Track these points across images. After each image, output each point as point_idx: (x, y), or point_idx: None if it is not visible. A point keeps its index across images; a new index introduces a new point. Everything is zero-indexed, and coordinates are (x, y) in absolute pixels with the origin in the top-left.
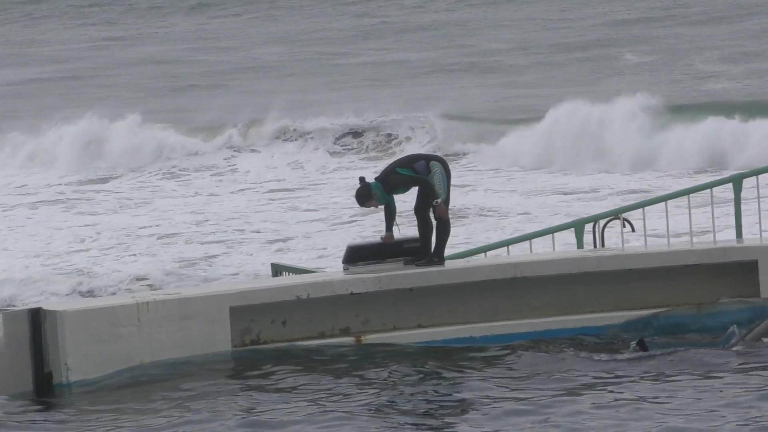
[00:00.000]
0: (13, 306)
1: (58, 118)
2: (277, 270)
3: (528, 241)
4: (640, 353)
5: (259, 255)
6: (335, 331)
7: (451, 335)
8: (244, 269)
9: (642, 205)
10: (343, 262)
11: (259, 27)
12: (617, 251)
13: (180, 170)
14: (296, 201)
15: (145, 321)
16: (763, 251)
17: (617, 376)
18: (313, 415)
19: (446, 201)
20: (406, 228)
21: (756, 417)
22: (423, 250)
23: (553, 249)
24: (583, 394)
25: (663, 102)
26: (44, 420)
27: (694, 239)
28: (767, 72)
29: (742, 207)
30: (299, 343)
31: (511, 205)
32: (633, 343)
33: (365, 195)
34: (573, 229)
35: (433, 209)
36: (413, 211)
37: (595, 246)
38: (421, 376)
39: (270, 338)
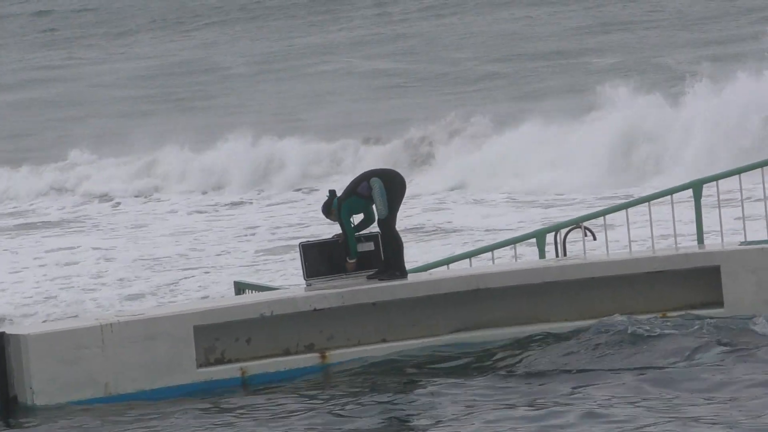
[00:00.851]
0: None
1: None
2: (241, 288)
3: (490, 252)
4: None
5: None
6: (300, 348)
7: (417, 348)
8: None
9: (603, 213)
10: (303, 273)
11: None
12: (580, 260)
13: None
14: None
15: (109, 342)
16: (725, 256)
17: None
18: None
19: (388, 217)
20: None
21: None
22: (385, 264)
23: (515, 259)
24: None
25: None
26: None
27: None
28: None
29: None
30: (264, 360)
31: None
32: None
33: (326, 207)
34: (535, 239)
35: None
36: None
37: (557, 255)
38: (387, 391)
39: (235, 357)
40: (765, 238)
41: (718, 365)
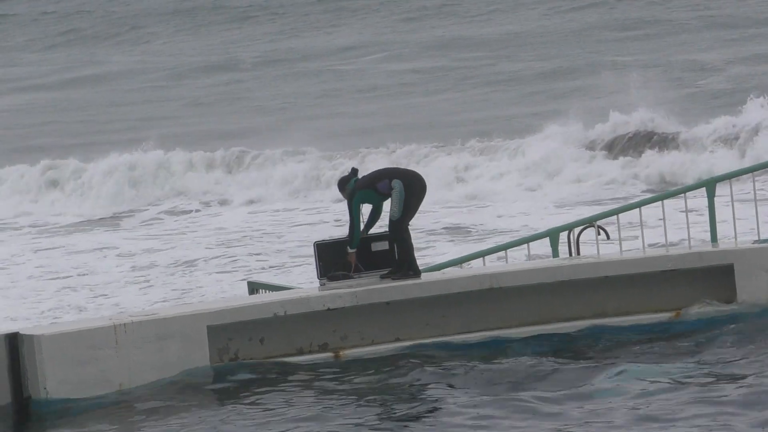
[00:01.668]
0: None
1: None
2: (254, 288)
3: (504, 252)
4: None
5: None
6: (314, 347)
7: (430, 347)
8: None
9: (616, 212)
10: (318, 272)
11: None
12: (593, 259)
13: None
14: None
15: (122, 343)
16: (738, 255)
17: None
18: None
19: (399, 219)
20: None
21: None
22: (398, 264)
23: (528, 258)
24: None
25: None
26: None
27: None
28: None
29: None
30: (278, 359)
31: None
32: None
33: (342, 183)
34: (548, 238)
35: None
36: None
37: (570, 254)
38: (400, 390)
39: (248, 356)
40: None
41: (730, 362)
